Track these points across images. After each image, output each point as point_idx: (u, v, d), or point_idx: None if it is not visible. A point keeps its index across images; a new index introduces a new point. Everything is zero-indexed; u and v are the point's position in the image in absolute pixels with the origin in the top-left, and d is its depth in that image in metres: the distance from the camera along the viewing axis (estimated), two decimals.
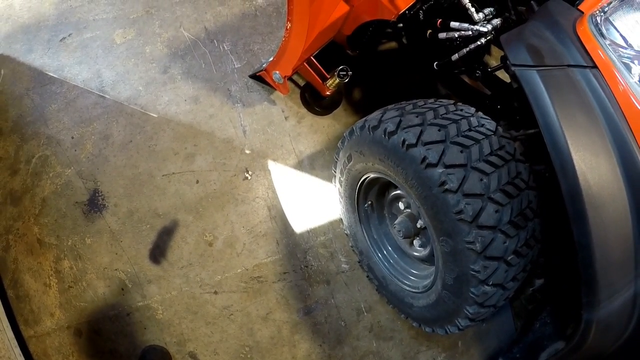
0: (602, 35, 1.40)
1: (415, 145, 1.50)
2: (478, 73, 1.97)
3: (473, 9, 1.82)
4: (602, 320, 1.36)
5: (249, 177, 2.16)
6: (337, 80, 2.14)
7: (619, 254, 1.31)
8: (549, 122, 1.35)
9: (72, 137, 2.22)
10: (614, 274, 1.32)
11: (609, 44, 1.38)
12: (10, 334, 2.07)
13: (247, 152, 2.19)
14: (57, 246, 2.15)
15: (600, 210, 1.29)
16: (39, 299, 2.13)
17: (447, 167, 1.45)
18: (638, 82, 1.32)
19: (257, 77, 2.28)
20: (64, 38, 2.38)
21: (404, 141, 1.52)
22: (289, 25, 1.84)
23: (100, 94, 2.25)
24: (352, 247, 2.18)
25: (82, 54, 2.33)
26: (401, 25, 2.10)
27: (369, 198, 2.04)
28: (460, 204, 1.42)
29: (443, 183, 1.44)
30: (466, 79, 2.10)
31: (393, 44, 2.42)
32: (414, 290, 1.93)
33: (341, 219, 2.18)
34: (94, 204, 2.14)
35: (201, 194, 2.11)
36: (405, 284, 1.99)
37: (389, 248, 2.09)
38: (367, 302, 2.13)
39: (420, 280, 1.96)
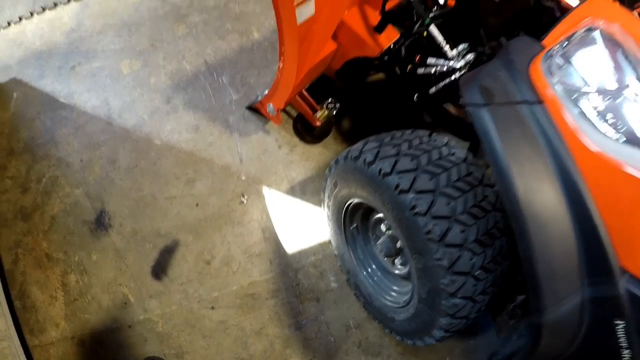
0: (550, 72, 1.50)
1: (390, 173, 1.61)
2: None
3: (447, 47, 1.94)
4: (550, 324, 1.43)
5: (245, 202, 2.25)
6: (326, 112, 2.26)
7: (562, 266, 1.39)
8: (494, 153, 1.44)
9: (81, 160, 2.33)
10: (558, 283, 1.40)
11: (556, 81, 1.48)
12: (17, 342, 2.16)
13: (243, 178, 2.28)
14: (64, 261, 2.25)
15: (543, 228, 1.38)
16: (45, 310, 2.23)
17: (417, 192, 1.56)
18: (579, 115, 1.40)
19: (253, 108, 2.39)
20: (74, 66, 2.50)
21: (380, 170, 1.63)
22: (281, 64, 1.95)
23: (108, 120, 2.36)
24: (340, 266, 2.24)
25: (91, 82, 2.44)
26: (385, 60, 2.20)
27: (354, 221, 2.12)
28: (429, 225, 1.51)
29: (414, 207, 1.54)
30: (452, 108, 2.24)
31: (380, 76, 2.52)
32: (395, 305, 2.01)
33: (330, 241, 2.23)
34: (101, 223, 2.25)
35: (200, 216, 2.21)
36: (388, 300, 2.06)
37: (374, 267, 2.16)
38: (356, 319, 2.18)
39: (400, 296, 2.04)
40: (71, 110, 2.42)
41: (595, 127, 1.38)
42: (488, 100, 1.55)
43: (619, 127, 1.36)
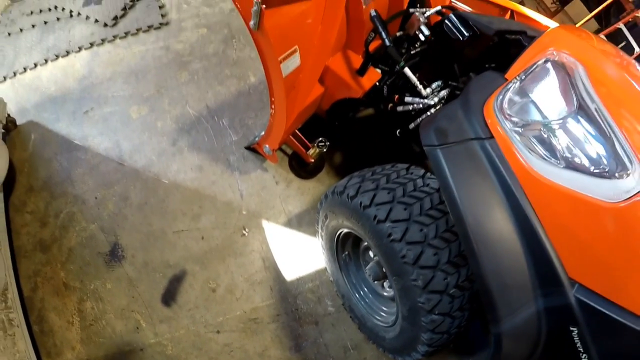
0: (501, 108, 1.59)
1: (369, 206, 1.72)
2: None
3: (421, 86, 2.04)
4: (508, 333, 1.49)
5: (246, 234, 2.39)
6: (318, 150, 2.40)
7: (513, 280, 1.46)
8: (445, 187, 1.55)
9: (96, 197, 2.49)
10: (510, 295, 1.47)
11: (506, 116, 1.57)
12: None
13: (244, 212, 2.43)
14: (80, 289, 2.37)
15: (491, 248, 1.46)
16: (62, 334, 2.34)
17: (392, 222, 1.65)
18: (524, 146, 1.49)
19: (251, 148, 2.53)
20: (87, 111, 2.67)
21: (361, 203, 1.74)
22: (272, 111, 2.09)
23: (120, 161, 2.52)
24: (336, 291, 2.33)
25: (103, 126, 2.61)
26: (369, 99, 2.31)
27: (345, 249, 2.22)
28: (404, 250, 1.60)
29: (389, 235, 1.64)
30: None
31: (368, 112, 2.63)
32: (385, 325, 2.09)
33: (325, 268, 2.33)
34: (114, 255, 2.39)
35: (206, 248, 2.35)
36: (378, 320, 2.15)
37: (365, 290, 2.25)
38: (353, 341, 2.27)
39: (389, 316, 2.12)
40: (85, 151, 2.58)
41: (539, 156, 1.47)
42: (442, 140, 1.65)
43: (561, 154, 1.45)
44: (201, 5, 3.14)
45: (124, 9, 2.98)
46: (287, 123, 2.16)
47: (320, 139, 2.44)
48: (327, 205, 2.04)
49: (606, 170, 1.37)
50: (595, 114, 1.46)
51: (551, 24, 3.38)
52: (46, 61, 2.93)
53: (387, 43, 2.08)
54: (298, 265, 2.40)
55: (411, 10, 2.38)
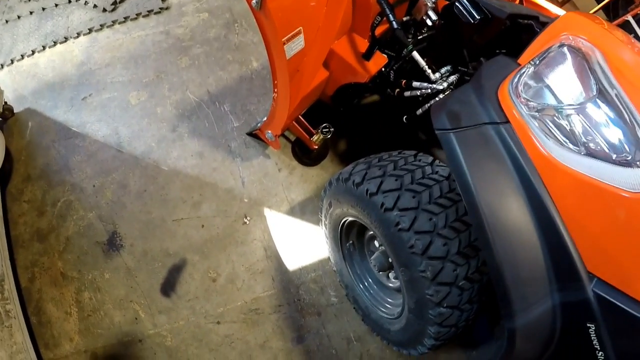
0: (517, 93, 1.54)
1: (376, 193, 1.67)
2: None
3: (430, 71, 1.99)
4: (522, 329, 1.45)
5: (248, 222, 2.36)
6: (322, 136, 2.35)
7: (529, 273, 1.42)
8: (459, 172, 1.48)
9: (94, 185, 2.45)
10: (526, 289, 1.43)
11: (523, 100, 1.52)
12: (33, 355, 2.22)
13: (246, 200, 2.39)
14: (78, 279, 2.34)
15: (507, 238, 1.41)
16: (60, 326, 2.32)
17: (400, 210, 1.61)
18: (542, 132, 1.44)
19: (253, 134, 2.49)
20: (85, 97, 2.63)
21: (367, 190, 1.69)
22: (275, 95, 2.04)
23: (118, 148, 2.48)
24: (339, 281, 2.29)
25: (101, 113, 2.57)
26: (375, 84, 2.27)
27: (350, 238, 2.18)
28: (412, 240, 1.56)
29: (397, 224, 1.60)
30: None
31: (373, 98, 2.59)
32: (390, 317, 2.06)
33: (329, 257, 2.30)
34: (113, 244, 2.36)
35: (206, 237, 2.31)
36: (383, 312, 2.11)
37: (370, 281, 2.21)
38: (356, 332, 2.23)
39: (394, 308, 2.09)
40: (83, 138, 2.54)
41: (558, 142, 1.42)
42: (455, 124, 1.60)
43: (580, 140, 1.40)
44: None
45: None
46: (290, 108, 2.12)
47: (324, 125, 2.39)
48: (331, 193, 2.00)
49: (628, 158, 1.32)
50: (616, 100, 1.41)
51: (561, 12, 3.33)
52: (44, 48, 2.89)
53: (395, 26, 2.01)
54: (301, 254, 2.36)
55: None
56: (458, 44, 2.24)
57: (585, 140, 1.39)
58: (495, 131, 1.53)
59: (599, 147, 1.37)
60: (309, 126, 2.41)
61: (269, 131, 2.29)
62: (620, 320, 1.32)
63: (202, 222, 2.36)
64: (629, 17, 6.23)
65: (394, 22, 2.01)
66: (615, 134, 1.36)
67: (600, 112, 1.40)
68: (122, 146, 2.50)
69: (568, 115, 1.43)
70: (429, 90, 2.02)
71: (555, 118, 1.46)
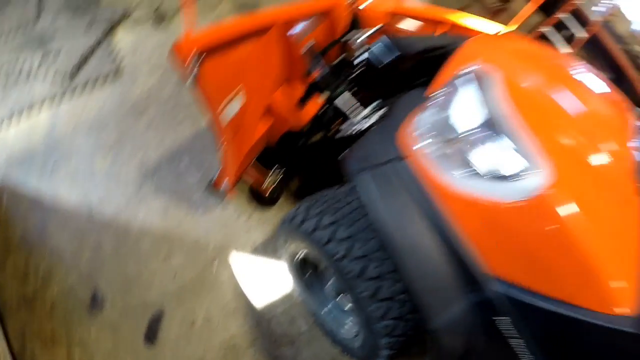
0: (414, 129, 1.71)
1: (315, 230, 1.83)
2: None
3: (356, 110, 2.17)
4: (443, 329, 1.62)
5: (216, 267, 2.53)
6: (273, 180, 2.54)
7: (439, 283, 1.58)
8: (370, 209, 1.67)
9: (72, 248, 2.59)
10: (437, 296, 1.59)
11: (417, 136, 1.68)
12: None
13: (212, 247, 2.57)
14: (67, 339, 2.45)
15: (417, 258, 1.58)
16: None
17: (338, 241, 1.76)
18: (433, 161, 1.59)
19: (211, 186, 2.57)
20: (54, 167, 2.78)
21: (309, 227, 1.85)
22: (222, 150, 2.21)
23: (90, 212, 2.63)
24: (307, 310, 2.44)
25: (71, 179, 2.73)
26: (314, 127, 2.43)
27: (307, 269, 2.32)
28: (349, 267, 1.72)
29: (335, 254, 1.75)
30: None
31: (318, 137, 2.79)
32: (351, 336, 2.19)
33: (294, 289, 2.46)
34: (95, 302, 2.49)
35: (180, 284, 2.47)
36: (345, 332, 2.25)
37: (330, 306, 2.35)
38: (330, 355, 2.37)
39: (353, 327, 2.21)
40: (57, 205, 2.69)
41: (447, 169, 1.57)
42: (363, 165, 1.78)
43: (465, 165, 1.53)
44: (153, 52, 3.28)
45: (80, 62, 3.10)
46: (237, 161, 2.29)
47: (275, 168, 2.57)
48: (284, 231, 2.16)
49: (510, 174, 1.47)
50: (505, 121, 1.54)
51: (492, 28, 3.56)
52: (10, 120, 3.03)
53: (322, 75, 2.22)
54: (269, 290, 2.53)
55: (344, 39, 2.53)
56: (386, 78, 2.37)
57: (476, 164, 1.54)
58: (397, 166, 1.70)
59: (489, 169, 1.51)
60: (261, 171, 2.58)
61: (225, 181, 2.45)
62: (520, 310, 1.47)
63: (175, 272, 2.52)
64: (560, 15, 6.56)
65: (321, 72, 2.21)
66: (502, 154, 1.52)
67: (489, 136, 1.55)
68: (93, 210, 2.65)
69: (462, 143, 1.59)
70: (361, 127, 2.16)
71: (450, 147, 1.61)
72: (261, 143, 2.52)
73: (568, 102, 1.74)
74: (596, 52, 6.80)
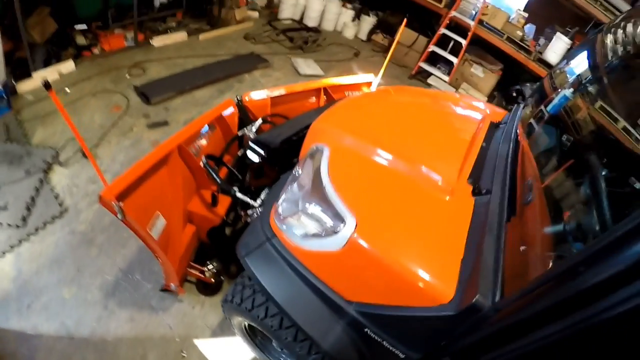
0: (276, 211, 2.10)
1: (240, 303, 2.27)
2: None
3: (250, 201, 2.58)
4: (330, 348, 1.92)
5: (185, 355, 2.95)
6: (211, 272, 3.03)
7: (315, 316, 1.92)
8: (256, 282, 2.06)
9: None
10: (317, 326, 1.93)
11: (278, 216, 2.06)
12: None
13: (177, 339, 3.01)
14: None
15: (293, 304, 1.95)
16: None
17: (256, 307, 2.20)
18: (285, 229, 1.98)
19: (164, 289, 3.10)
20: (29, 305, 3.10)
21: (236, 302, 2.28)
22: (159, 262, 2.65)
23: (69, 337, 2.97)
24: None
25: (46, 313, 3.06)
26: (228, 221, 2.86)
27: (257, 334, 2.78)
28: (269, 323, 2.16)
29: (258, 316, 2.18)
30: None
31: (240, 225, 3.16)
32: None
33: (253, 355, 2.93)
34: None
35: None
36: None
37: (284, 356, 2.80)
38: None
39: None
40: (40, 338, 3.01)
41: (296, 235, 1.96)
42: (247, 250, 2.15)
43: (305, 229, 1.93)
44: (87, 184, 3.77)
45: (27, 208, 3.52)
46: (175, 265, 2.68)
47: (208, 262, 3.05)
48: (227, 311, 2.56)
49: (332, 230, 1.84)
50: (324, 190, 1.92)
51: (366, 78, 4.16)
52: None
53: (218, 182, 2.64)
54: None
55: (239, 133, 3.07)
56: (271, 166, 2.87)
57: (307, 229, 1.94)
58: (270, 244, 2.07)
59: (314, 231, 1.91)
60: (199, 268, 3.04)
61: (171, 284, 2.92)
62: (375, 318, 1.80)
63: None
64: (443, 30, 7.38)
65: (217, 180, 2.63)
66: (322, 217, 1.90)
67: (311, 206, 1.94)
68: (71, 334, 3.00)
69: (300, 217, 1.97)
70: (257, 213, 2.58)
71: (295, 221, 1.99)
72: (192, 246, 2.97)
73: (379, 152, 2.14)
74: (484, 49, 7.65)
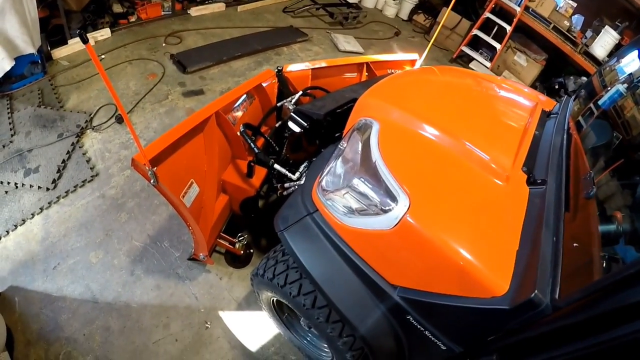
0: (321, 187, 2.01)
1: (272, 278, 2.18)
2: None
3: (289, 174, 2.49)
4: (369, 335, 1.88)
5: (209, 326, 2.91)
6: (242, 243, 2.95)
7: (355, 299, 1.86)
8: (294, 258, 1.99)
9: (84, 334, 2.91)
10: (356, 310, 1.86)
11: (322, 191, 1.99)
12: None
13: (202, 310, 2.96)
14: None
15: (332, 284, 1.90)
16: None
17: (290, 284, 2.11)
18: (330, 207, 1.91)
19: (192, 258, 3.05)
20: (55, 267, 3.12)
21: (267, 277, 2.21)
22: (190, 230, 2.58)
23: (94, 300, 2.98)
24: (294, 345, 2.81)
25: (72, 276, 3.07)
26: (263, 192, 2.80)
27: (284, 311, 2.71)
28: (302, 300, 2.06)
29: (290, 294, 2.09)
30: None
31: (273, 198, 3.14)
32: (329, 358, 2.57)
33: (279, 331, 2.86)
34: None
35: (181, 348, 2.83)
36: (325, 356, 2.62)
37: (309, 337, 2.73)
38: None
39: (328, 350, 2.60)
40: (64, 300, 3.03)
41: (343, 213, 1.89)
42: (285, 224, 2.10)
43: (353, 207, 1.85)
44: (120, 150, 3.73)
45: (59, 171, 3.51)
46: (206, 235, 2.63)
47: (239, 234, 2.97)
48: (255, 286, 2.50)
49: (382, 208, 1.77)
50: (374, 166, 1.86)
51: (408, 56, 4.01)
52: (7, 232, 3.36)
53: (255, 152, 2.57)
54: (257, 336, 2.93)
55: (278, 104, 2.97)
56: (310, 139, 2.79)
57: (355, 207, 1.86)
58: (310, 219, 2.03)
59: (363, 209, 1.83)
60: (230, 239, 2.98)
61: (201, 253, 2.86)
62: (419, 306, 1.73)
63: (175, 337, 2.88)
64: (488, 14, 7.12)
65: (255, 149, 2.54)
66: (373, 195, 1.81)
67: (361, 183, 1.86)
68: (96, 298, 3.00)
69: (346, 193, 1.91)
70: (296, 186, 2.51)
71: (340, 197, 1.93)
72: (224, 216, 2.91)
73: (431, 130, 2.05)
74: (529, 38, 7.37)
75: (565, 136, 2.18)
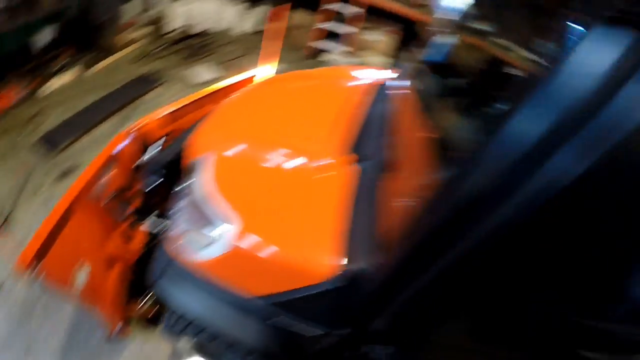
0: (170, 236, 2.16)
1: (173, 327, 2.31)
2: None
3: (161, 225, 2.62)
4: (255, 345, 1.98)
5: None
6: (145, 304, 3.05)
7: (228, 320, 1.97)
8: (166, 302, 2.12)
9: None
10: (233, 328, 1.97)
11: (172, 239, 2.12)
12: None
13: None
14: None
15: (206, 317, 2.01)
16: None
17: (186, 327, 2.23)
18: (186, 251, 2.01)
19: (110, 336, 3.04)
20: None
21: (170, 328, 2.34)
22: (95, 309, 2.65)
23: None
24: None
25: None
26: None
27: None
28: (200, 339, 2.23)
29: (192, 336, 2.27)
30: None
31: None
32: None
33: None
34: None
35: None
36: None
37: None
38: None
39: None
40: None
41: (188, 250, 2.00)
42: (155, 277, 2.16)
43: (194, 244, 1.98)
44: (11, 257, 3.61)
45: None
46: (110, 309, 2.74)
47: (142, 295, 3.04)
48: (168, 338, 2.65)
49: (214, 237, 1.88)
50: (205, 201, 1.93)
51: (247, 74, 3.99)
52: None
53: (128, 217, 2.71)
54: None
55: (139, 162, 2.94)
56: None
57: (198, 242, 1.96)
58: (170, 266, 2.10)
59: (204, 241, 1.91)
60: (135, 304, 3.06)
61: (115, 328, 2.96)
62: (281, 306, 1.87)
63: None
64: (330, 6, 7.26)
65: (126, 216, 2.71)
66: (202, 229, 1.93)
67: (195, 220, 1.98)
68: None
69: (186, 232, 2.03)
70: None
71: (185, 236, 2.05)
72: (122, 284, 2.92)
73: (266, 151, 2.16)
74: (381, 15, 7.66)
75: (386, 104, 2.37)
